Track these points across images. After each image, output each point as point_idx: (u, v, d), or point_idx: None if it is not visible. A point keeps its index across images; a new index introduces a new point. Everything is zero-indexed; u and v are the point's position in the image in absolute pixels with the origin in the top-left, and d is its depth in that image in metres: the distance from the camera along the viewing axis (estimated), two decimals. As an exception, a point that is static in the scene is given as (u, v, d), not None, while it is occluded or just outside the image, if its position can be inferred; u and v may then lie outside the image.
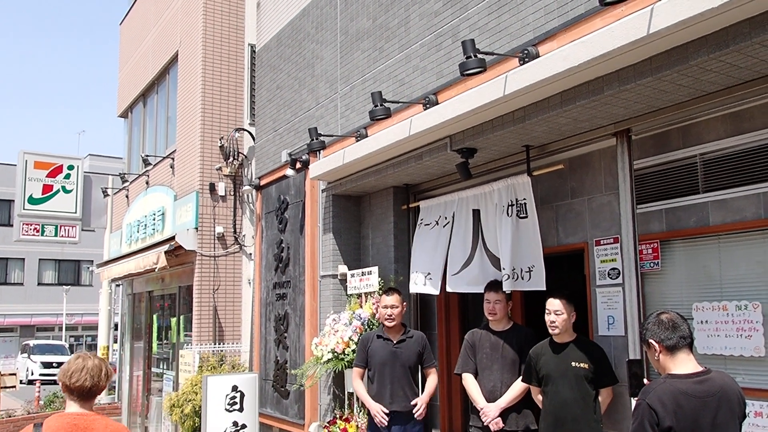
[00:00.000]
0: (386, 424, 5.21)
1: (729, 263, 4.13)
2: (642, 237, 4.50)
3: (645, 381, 3.36)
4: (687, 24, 3.26)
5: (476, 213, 5.67)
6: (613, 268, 4.72)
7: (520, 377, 4.84)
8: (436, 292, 5.93)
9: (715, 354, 4.11)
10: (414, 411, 5.24)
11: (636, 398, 3.29)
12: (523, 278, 5.08)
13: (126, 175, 13.33)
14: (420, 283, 6.07)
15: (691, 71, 3.63)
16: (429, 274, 5.97)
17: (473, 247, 5.63)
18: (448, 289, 5.76)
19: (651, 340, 3.06)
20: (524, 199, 5.14)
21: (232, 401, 7.36)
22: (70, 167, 16.38)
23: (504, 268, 5.17)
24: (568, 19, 4.31)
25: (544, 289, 4.96)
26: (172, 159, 11.15)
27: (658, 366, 3.09)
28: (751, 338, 3.94)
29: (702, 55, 3.44)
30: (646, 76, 3.72)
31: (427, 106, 5.44)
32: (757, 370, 3.94)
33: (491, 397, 4.91)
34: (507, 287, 5.14)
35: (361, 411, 6.20)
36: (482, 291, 5.26)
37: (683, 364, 2.99)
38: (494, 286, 5.10)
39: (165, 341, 11.79)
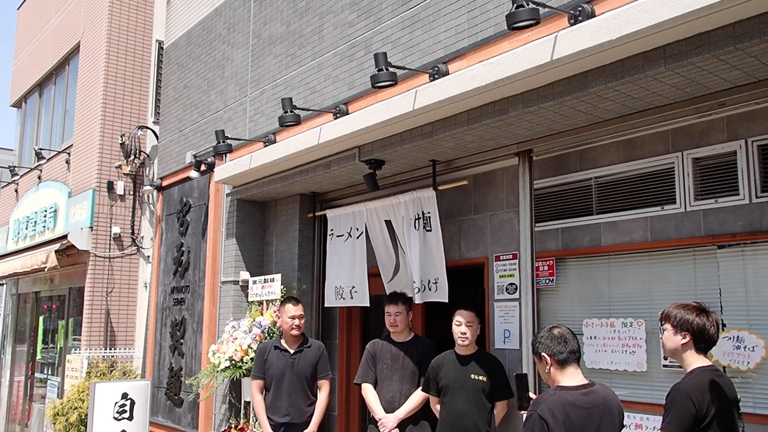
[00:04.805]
0: None
1: (618, 282, 4.35)
2: (539, 254, 4.67)
3: (531, 395, 3.48)
4: (587, 53, 3.43)
5: (389, 223, 5.69)
6: (511, 284, 4.88)
7: (419, 388, 4.91)
8: (365, 303, 5.81)
9: (602, 368, 4.31)
10: None
11: (522, 412, 3.40)
12: (430, 289, 5.17)
13: (16, 168, 12.59)
14: (346, 297, 5.92)
15: (589, 98, 3.82)
16: (354, 287, 5.87)
17: (396, 254, 5.63)
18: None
19: (543, 353, 3.18)
20: (429, 212, 5.23)
21: (121, 409, 7.06)
22: (-47, 156, 15.33)
23: (414, 281, 5.24)
24: (477, 39, 4.44)
25: (446, 300, 5.06)
26: (68, 154, 10.65)
27: (547, 378, 3.21)
28: (635, 354, 4.16)
29: (600, 84, 3.63)
30: (548, 100, 3.88)
31: (338, 115, 5.45)
32: (640, 385, 4.16)
33: (390, 408, 4.94)
34: (418, 299, 5.20)
35: (257, 421, 6.10)
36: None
37: (571, 376, 3.13)
38: (394, 298, 5.15)
39: (51, 345, 11.20)
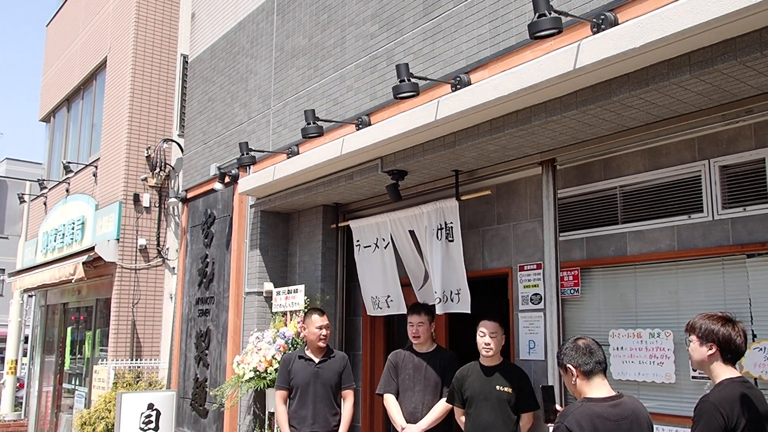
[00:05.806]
0: None
1: (644, 292, 4.29)
2: (563, 264, 4.63)
3: (557, 407, 3.44)
4: (611, 62, 3.40)
5: (412, 233, 5.69)
6: (536, 294, 4.84)
7: (442, 399, 4.87)
8: (402, 311, 5.81)
9: (629, 380, 4.25)
10: None
11: (549, 424, 3.36)
12: (452, 300, 5.15)
13: (45, 182, 12.81)
14: (383, 306, 5.96)
15: (613, 106, 3.78)
16: (389, 296, 5.90)
17: (424, 262, 5.64)
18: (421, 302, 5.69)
19: (568, 365, 3.14)
20: (451, 222, 5.22)
21: (147, 420, 7.13)
22: (-15, 170, 15.63)
23: (436, 291, 5.22)
24: (499, 49, 4.43)
25: (469, 311, 5.03)
26: (96, 167, 10.80)
27: (574, 390, 3.17)
28: (663, 365, 4.10)
29: (624, 92, 3.59)
30: (572, 108, 3.85)
31: (360, 126, 5.47)
32: (668, 396, 4.09)
33: (412, 419, 4.91)
34: (440, 310, 5.18)
35: None
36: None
37: (598, 388, 3.08)
38: (416, 309, 5.13)
39: (79, 356, 11.33)
